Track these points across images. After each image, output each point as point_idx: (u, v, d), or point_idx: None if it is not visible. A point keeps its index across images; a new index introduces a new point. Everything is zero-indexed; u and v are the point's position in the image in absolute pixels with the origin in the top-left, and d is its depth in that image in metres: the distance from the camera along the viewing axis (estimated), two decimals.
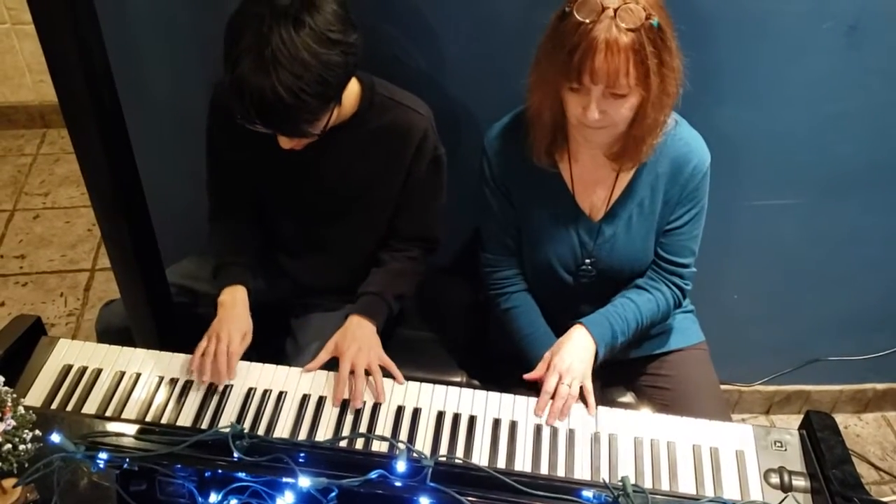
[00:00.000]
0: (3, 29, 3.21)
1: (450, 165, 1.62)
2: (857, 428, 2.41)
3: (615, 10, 1.19)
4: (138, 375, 1.42)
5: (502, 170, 1.50)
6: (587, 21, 1.20)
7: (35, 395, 1.38)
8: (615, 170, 1.45)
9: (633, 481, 1.26)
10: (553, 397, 1.38)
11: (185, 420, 1.36)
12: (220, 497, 1.00)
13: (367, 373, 1.43)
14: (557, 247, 1.53)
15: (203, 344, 1.45)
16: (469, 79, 1.72)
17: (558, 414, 1.37)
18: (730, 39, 1.63)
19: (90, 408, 1.37)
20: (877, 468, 2.30)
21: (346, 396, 1.40)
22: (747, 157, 1.81)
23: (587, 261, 1.53)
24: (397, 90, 1.53)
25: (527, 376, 1.43)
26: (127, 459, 1.01)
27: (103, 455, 1.01)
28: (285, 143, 1.40)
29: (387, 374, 1.46)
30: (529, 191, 1.50)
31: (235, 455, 1.01)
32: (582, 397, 1.41)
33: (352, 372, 1.42)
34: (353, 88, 1.42)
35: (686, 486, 1.29)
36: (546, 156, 1.43)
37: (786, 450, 1.33)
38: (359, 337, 1.48)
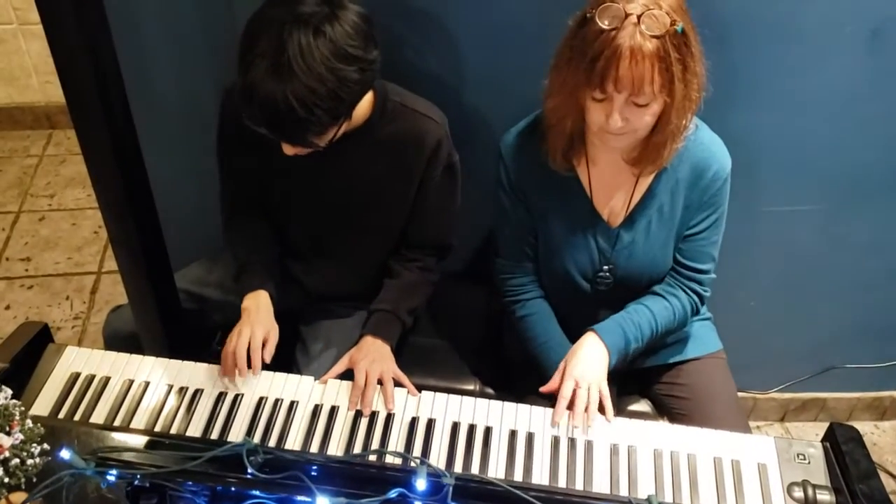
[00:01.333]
0: (10, 29, 3.19)
1: (465, 170, 1.59)
2: (874, 437, 2.38)
3: (639, 17, 1.16)
4: (147, 384, 1.40)
5: (519, 174, 1.47)
6: (610, 28, 1.17)
7: (42, 404, 1.36)
8: (635, 175, 1.43)
9: (654, 495, 1.24)
10: (572, 403, 1.35)
11: (195, 430, 1.34)
12: None
13: (381, 383, 1.41)
14: (575, 253, 1.50)
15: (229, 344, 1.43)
16: (484, 83, 1.69)
17: (581, 418, 1.34)
18: (749, 43, 1.60)
19: (98, 417, 1.34)
20: (895, 477, 2.27)
21: (359, 406, 1.39)
22: (766, 161, 1.78)
23: (605, 267, 1.50)
24: (410, 96, 1.50)
25: (543, 389, 1.41)
26: (138, 476, 0.98)
27: (114, 472, 0.99)
28: (288, 149, 1.38)
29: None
30: (547, 196, 1.47)
31: (249, 471, 0.98)
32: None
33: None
34: (366, 95, 1.40)
35: (708, 500, 1.26)
36: (563, 160, 1.41)
37: (809, 463, 1.30)
38: (373, 352, 1.48)
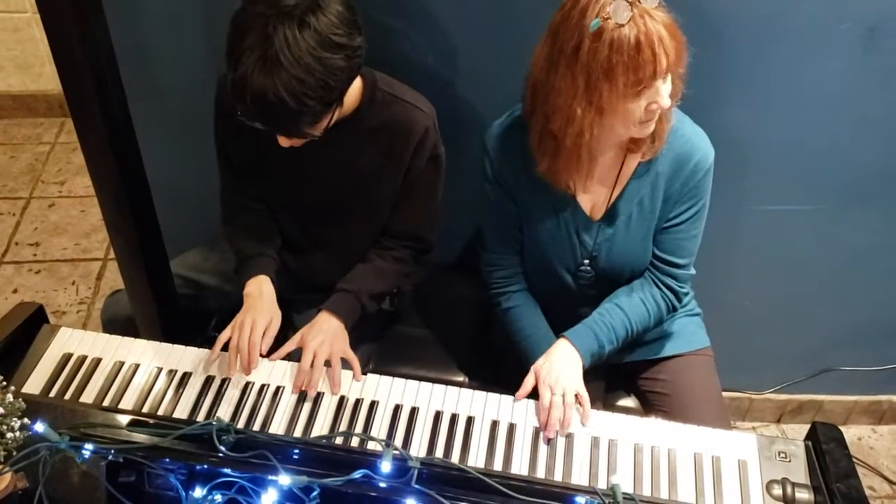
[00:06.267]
0: (24, 18, 3.24)
1: (456, 163, 1.60)
2: (871, 440, 2.36)
3: (631, 4, 1.17)
4: (137, 366, 1.42)
5: (503, 167, 1.47)
6: (623, 22, 1.17)
7: (34, 383, 1.38)
8: (617, 167, 1.43)
9: (631, 488, 1.25)
10: (549, 410, 1.36)
11: (182, 412, 1.36)
12: (205, 491, 1.00)
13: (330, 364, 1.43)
14: (557, 246, 1.51)
15: (226, 334, 1.44)
16: (477, 77, 1.70)
17: (556, 425, 1.34)
18: (744, 40, 1.60)
19: (88, 397, 1.37)
20: (890, 482, 2.25)
21: (305, 387, 1.40)
22: (762, 161, 1.78)
23: (586, 261, 1.51)
24: (399, 86, 1.51)
25: (517, 396, 1.40)
26: (112, 451, 1.01)
27: (89, 446, 1.01)
28: (284, 142, 1.40)
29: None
30: (530, 189, 1.48)
31: (220, 450, 1.00)
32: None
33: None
34: (354, 84, 1.41)
35: (686, 495, 1.26)
36: (564, 173, 1.40)
37: (790, 461, 1.30)
38: (324, 330, 1.49)
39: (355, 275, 1.61)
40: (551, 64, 1.27)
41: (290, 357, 1.51)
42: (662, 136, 1.37)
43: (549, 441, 1.33)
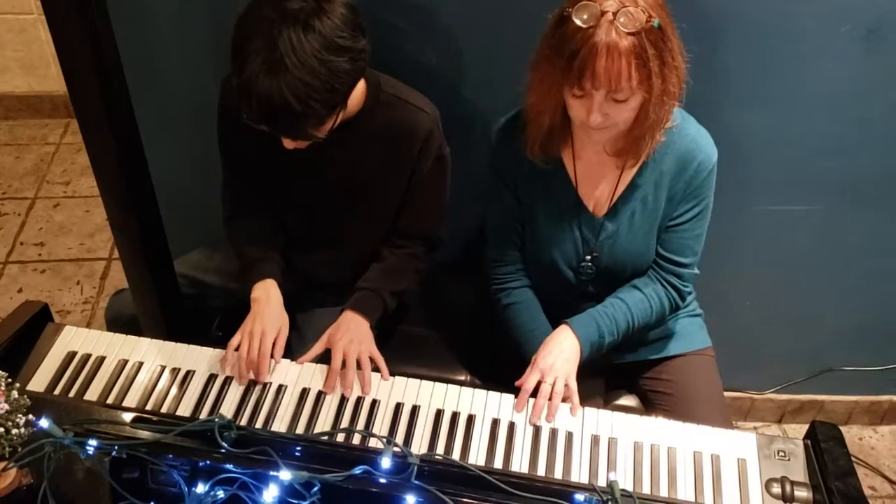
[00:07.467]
0: (30, 19, 3.25)
1: (459, 163, 1.61)
2: (872, 440, 2.36)
3: (614, 14, 1.18)
4: (141, 364, 1.43)
5: (509, 163, 1.48)
6: (586, 26, 1.18)
7: (39, 381, 1.39)
8: (618, 166, 1.44)
9: (631, 486, 1.26)
10: (536, 396, 1.37)
11: (185, 409, 1.37)
12: (207, 487, 1.01)
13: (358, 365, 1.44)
14: (560, 242, 1.52)
15: (236, 340, 1.45)
16: (479, 78, 1.71)
17: (541, 412, 1.35)
18: (745, 40, 1.61)
19: (92, 395, 1.38)
20: (891, 482, 2.25)
21: (336, 386, 1.41)
22: (763, 161, 1.78)
23: (588, 257, 1.52)
24: (403, 88, 1.52)
25: (517, 383, 1.41)
26: (115, 447, 1.02)
27: (92, 442, 1.02)
28: (289, 144, 1.41)
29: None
30: (534, 185, 1.49)
31: (223, 447, 1.01)
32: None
33: (344, 364, 1.43)
34: (358, 86, 1.42)
35: (685, 493, 1.27)
36: (540, 152, 1.42)
37: (789, 460, 1.31)
38: (352, 330, 1.50)
39: (374, 274, 1.62)
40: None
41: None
42: (641, 146, 1.36)
43: (534, 426, 1.34)
